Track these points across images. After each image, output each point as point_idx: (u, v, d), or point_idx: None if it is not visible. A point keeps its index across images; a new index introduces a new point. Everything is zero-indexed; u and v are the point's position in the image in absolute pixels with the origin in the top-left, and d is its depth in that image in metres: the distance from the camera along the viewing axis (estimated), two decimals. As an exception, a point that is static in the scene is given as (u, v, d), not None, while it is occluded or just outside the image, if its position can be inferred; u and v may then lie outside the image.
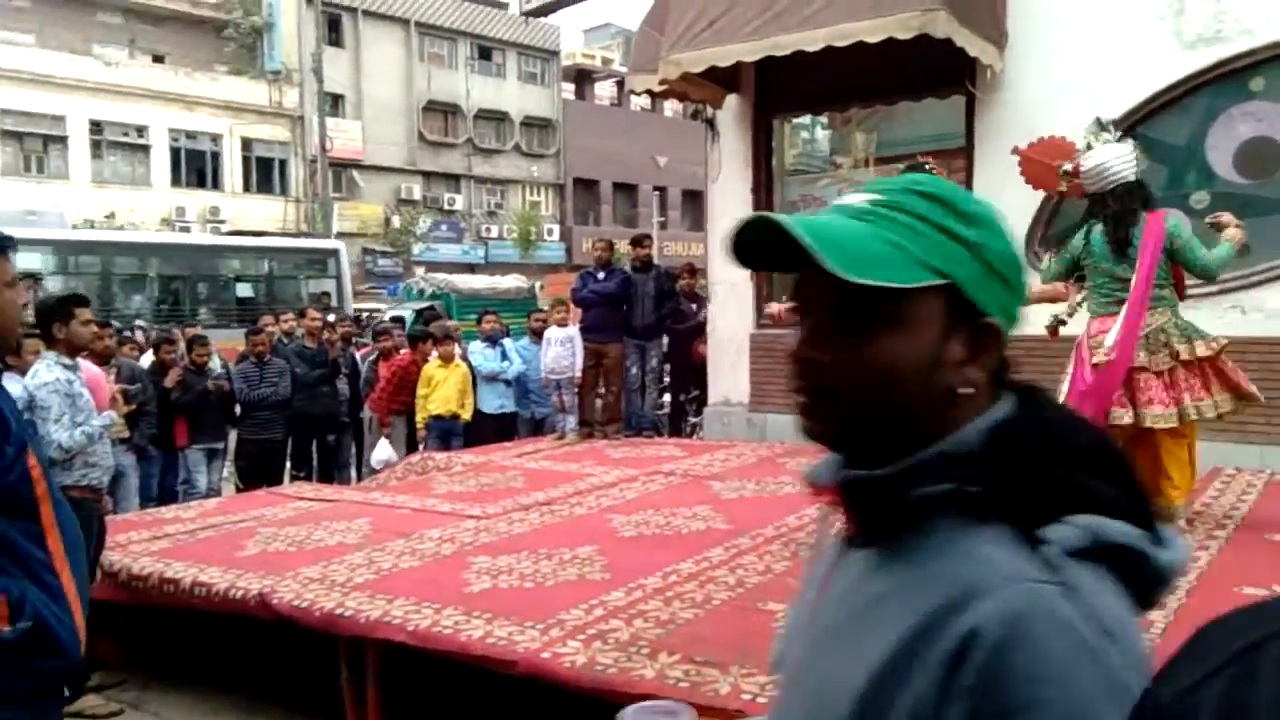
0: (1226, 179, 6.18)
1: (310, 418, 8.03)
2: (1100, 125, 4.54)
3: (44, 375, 4.03)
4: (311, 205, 28.30)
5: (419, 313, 13.71)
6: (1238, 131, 6.14)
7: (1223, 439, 5.95)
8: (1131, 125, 6.36)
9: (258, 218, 28.27)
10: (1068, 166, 4.51)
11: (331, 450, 8.53)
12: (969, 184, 6.87)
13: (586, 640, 3.20)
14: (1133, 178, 4.42)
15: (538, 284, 19.77)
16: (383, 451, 8.03)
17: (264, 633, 4.07)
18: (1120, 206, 4.37)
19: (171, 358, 7.45)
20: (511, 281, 19.07)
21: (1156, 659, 2.29)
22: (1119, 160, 4.42)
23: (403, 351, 8.57)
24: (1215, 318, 6.05)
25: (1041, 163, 4.67)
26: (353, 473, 8.90)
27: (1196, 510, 4.75)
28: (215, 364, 7.77)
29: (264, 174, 29.10)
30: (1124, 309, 4.32)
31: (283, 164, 29.33)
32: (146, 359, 7.83)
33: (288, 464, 8.04)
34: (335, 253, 18.55)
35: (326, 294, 17.22)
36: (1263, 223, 6.05)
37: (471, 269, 33.53)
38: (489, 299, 16.47)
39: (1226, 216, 4.53)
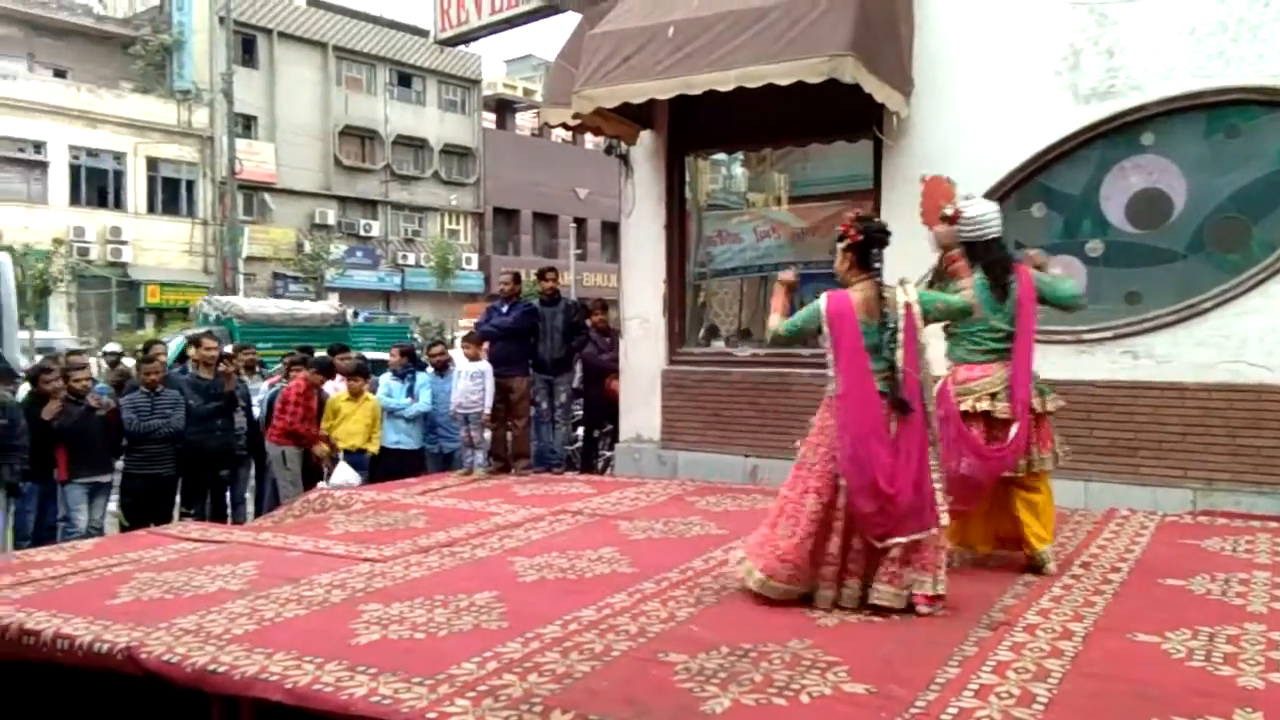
0: (1119, 228, 6.40)
1: (203, 452, 7.66)
2: (952, 184, 4.72)
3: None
4: (220, 228, 27.51)
5: (190, 339, 12.90)
6: (1129, 183, 6.37)
7: (1117, 480, 6.13)
8: (1031, 174, 6.57)
9: (162, 239, 27.39)
10: (948, 210, 4.60)
11: (225, 486, 8.15)
12: (877, 226, 6.96)
13: (477, 698, 3.05)
14: (999, 235, 4.61)
15: (351, 311, 18.81)
16: (343, 474, 7.67)
17: (135, 690, 3.79)
18: (1000, 257, 4.56)
19: (51, 387, 7.00)
20: (319, 308, 17.81)
21: (1056, 705, 2.22)
22: (995, 215, 4.61)
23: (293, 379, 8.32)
24: (1110, 362, 6.26)
25: (933, 198, 4.75)
26: (249, 509, 8.54)
27: (1092, 554, 4.84)
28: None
29: (170, 195, 28.21)
30: (1013, 363, 4.45)
31: (190, 185, 28.50)
32: (24, 389, 7.39)
33: (177, 501, 7.66)
34: None
35: None
36: (1152, 271, 6.29)
37: (387, 297, 33.04)
38: (284, 326, 15.34)
39: (1040, 256, 4.77)
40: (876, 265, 4.04)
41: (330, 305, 18.44)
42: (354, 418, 8.08)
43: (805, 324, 4.12)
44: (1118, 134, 6.37)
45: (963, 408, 4.41)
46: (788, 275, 4.45)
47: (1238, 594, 4.13)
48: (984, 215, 4.57)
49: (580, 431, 9.52)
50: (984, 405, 4.43)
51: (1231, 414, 5.93)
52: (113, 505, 7.57)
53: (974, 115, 6.66)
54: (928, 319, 4.04)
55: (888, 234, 4.10)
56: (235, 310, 16.11)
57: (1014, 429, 4.38)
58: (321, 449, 7.89)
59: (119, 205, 27.10)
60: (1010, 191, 6.62)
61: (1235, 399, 5.93)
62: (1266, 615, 3.82)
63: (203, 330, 14.78)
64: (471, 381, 7.86)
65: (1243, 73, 5.95)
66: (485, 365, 7.90)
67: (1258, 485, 5.85)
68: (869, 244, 4.05)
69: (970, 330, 4.53)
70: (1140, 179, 6.34)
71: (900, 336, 3.89)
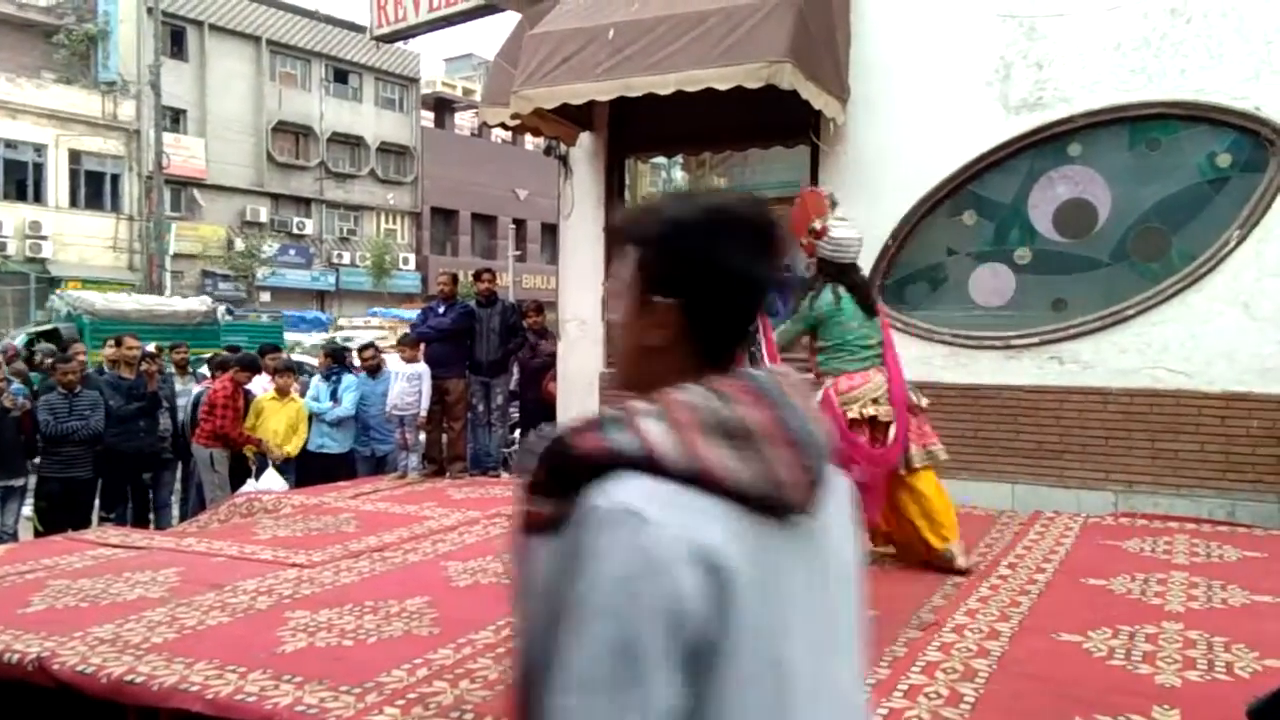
0: (1046, 236, 6.56)
1: (124, 454, 7.40)
2: (833, 202, 4.83)
3: None
4: (146, 224, 26.69)
5: (36, 336, 12.04)
6: (1056, 193, 6.53)
7: (1042, 483, 6.28)
8: (963, 182, 6.70)
9: (85, 235, 26.46)
10: (816, 225, 4.76)
11: (148, 490, 7.90)
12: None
13: (406, 705, 2.99)
14: (854, 262, 4.87)
15: (222, 308, 17.69)
16: (269, 480, 7.50)
17: (47, 702, 3.64)
18: (861, 280, 4.89)
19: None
20: (185, 304, 16.50)
21: (983, 705, 2.22)
22: (857, 244, 4.87)
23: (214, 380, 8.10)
24: (1037, 368, 6.41)
25: (805, 210, 4.87)
26: (175, 513, 8.29)
27: (1018, 555, 4.95)
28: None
29: (94, 189, 27.25)
30: (887, 369, 4.71)
31: (115, 179, 27.57)
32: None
33: (96, 505, 7.39)
34: None
35: None
36: (1078, 279, 6.46)
37: (321, 296, 32.43)
38: (141, 323, 13.81)
39: None
40: None
41: (200, 302, 17.07)
42: (276, 417, 7.89)
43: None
44: (1046, 144, 6.53)
45: (850, 415, 4.56)
46: None
47: (1156, 594, 4.25)
48: (846, 240, 4.79)
49: (517, 434, 9.44)
50: (870, 410, 4.61)
51: (1152, 418, 6.12)
52: (28, 510, 7.28)
53: (908, 123, 6.77)
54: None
55: None
56: (86, 305, 15.02)
57: (893, 429, 4.59)
58: (250, 450, 7.70)
59: (39, 199, 26.12)
60: (943, 199, 6.75)
61: (1155, 404, 6.12)
62: (1183, 614, 3.94)
63: (47, 328, 14.02)
64: (408, 383, 7.73)
65: (1164, 87, 6.14)
66: (423, 367, 7.78)
67: (1175, 488, 6.04)
68: None
69: (845, 341, 4.73)
70: (1067, 189, 6.51)
71: (762, 341, 4.15)
